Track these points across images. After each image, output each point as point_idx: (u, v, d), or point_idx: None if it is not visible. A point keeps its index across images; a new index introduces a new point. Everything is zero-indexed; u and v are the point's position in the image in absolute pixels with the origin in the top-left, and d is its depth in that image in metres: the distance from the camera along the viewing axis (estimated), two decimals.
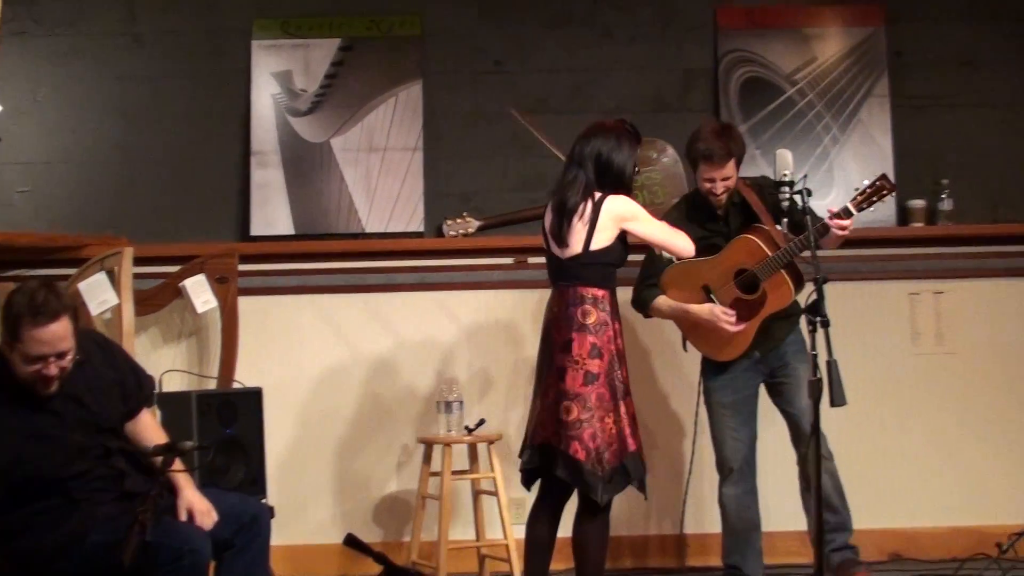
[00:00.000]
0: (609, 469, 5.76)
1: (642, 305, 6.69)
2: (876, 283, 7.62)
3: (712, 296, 6.47)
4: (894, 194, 6.32)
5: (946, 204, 7.71)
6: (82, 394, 5.11)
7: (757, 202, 6.47)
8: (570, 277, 5.87)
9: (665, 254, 6.09)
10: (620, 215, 5.79)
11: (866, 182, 6.22)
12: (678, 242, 5.90)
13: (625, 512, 7.44)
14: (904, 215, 7.73)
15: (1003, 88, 7.93)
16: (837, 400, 5.41)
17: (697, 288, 6.50)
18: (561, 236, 5.86)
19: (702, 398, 6.73)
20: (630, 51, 7.89)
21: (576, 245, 5.82)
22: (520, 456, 6.01)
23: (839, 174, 7.71)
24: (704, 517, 7.49)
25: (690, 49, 7.91)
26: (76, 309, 5.08)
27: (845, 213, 6.16)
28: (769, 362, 6.58)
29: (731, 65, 7.84)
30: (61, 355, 4.95)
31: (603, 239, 5.79)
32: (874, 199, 6.20)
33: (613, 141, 5.87)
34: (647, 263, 6.67)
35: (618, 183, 5.85)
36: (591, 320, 5.80)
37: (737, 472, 6.59)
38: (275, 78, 7.75)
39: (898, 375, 7.56)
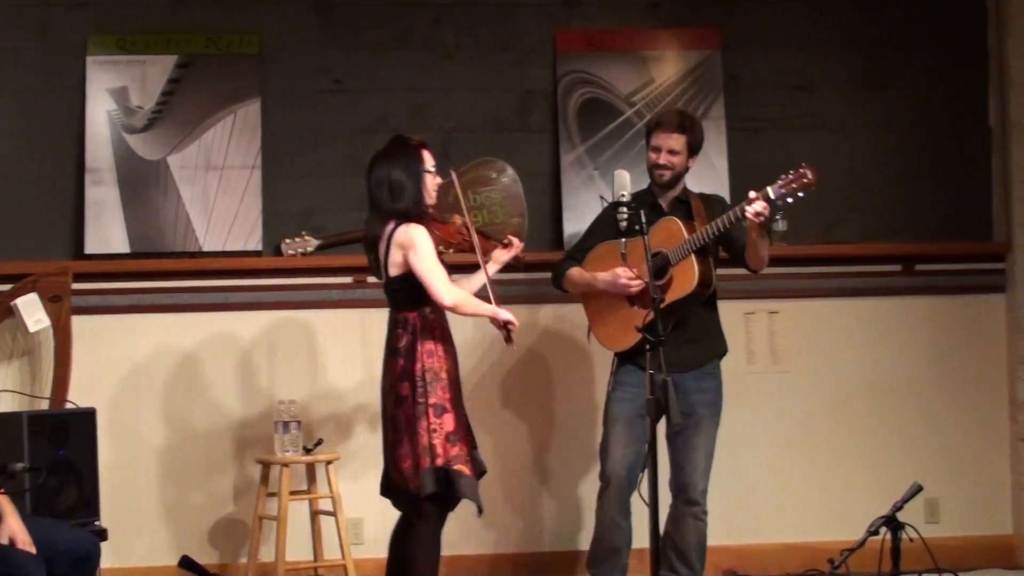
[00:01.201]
0: (417, 488, 5.90)
1: (557, 277, 6.72)
2: None
3: None
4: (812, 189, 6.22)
5: (781, 225, 7.81)
6: None
7: (700, 208, 6.48)
8: (389, 304, 6.09)
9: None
10: (401, 244, 5.91)
11: (791, 171, 6.17)
12: (441, 288, 5.90)
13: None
14: None
15: (836, 112, 8.08)
16: (673, 418, 5.49)
17: (615, 268, 6.46)
18: (375, 267, 6.08)
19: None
20: (470, 71, 7.91)
21: (383, 274, 6.02)
22: None
23: None
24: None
25: (530, 70, 7.94)
26: None
27: (764, 196, 6.13)
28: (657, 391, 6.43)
29: (570, 86, 7.89)
30: None
31: (396, 267, 5.94)
32: (794, 186, 6.13)
33: (386, 164, 6.02)
34: (579, 239, 6.75)
35: (404, 197, 5.97)
36: (402, 344, 5.97)
37: (616, 488, 6.51)
38: (111, 95, 7.64)
39: (733, 393, 7.59)
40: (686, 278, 6.32)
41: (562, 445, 7.83)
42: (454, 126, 7.84)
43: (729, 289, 7.28)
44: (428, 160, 6.09)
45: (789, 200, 6.19)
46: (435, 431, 5.88)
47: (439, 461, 5.86)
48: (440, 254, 6.03)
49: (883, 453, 7.93)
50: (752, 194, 6.15)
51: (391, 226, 5.94)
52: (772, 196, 6.13)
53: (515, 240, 6.47)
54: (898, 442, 7.95)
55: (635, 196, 6.46)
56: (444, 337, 6.05)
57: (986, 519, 8.04)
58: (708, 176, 7.72)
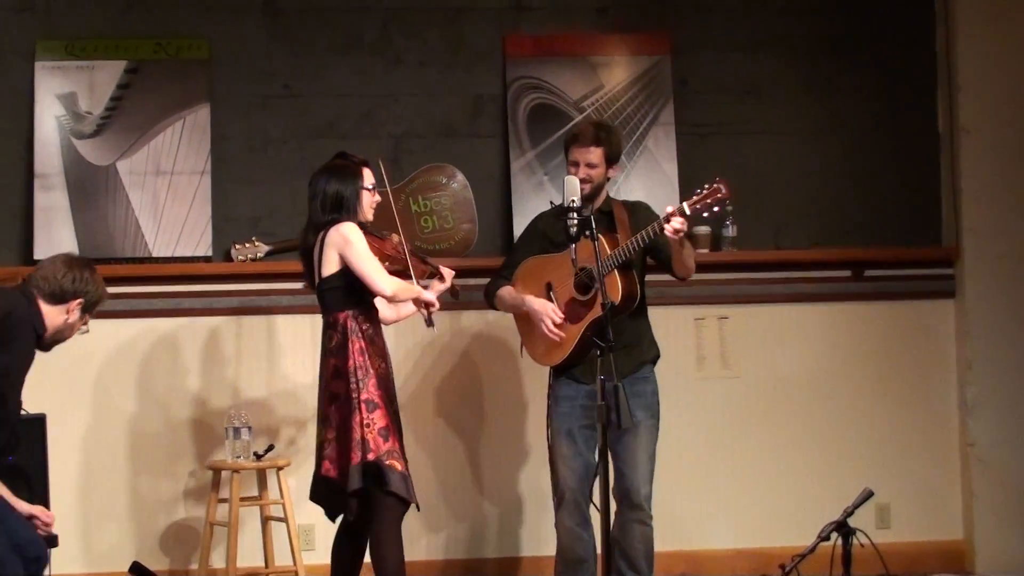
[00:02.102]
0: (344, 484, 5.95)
1: (489, 295, 6.73)
2: (662, 308, 7.65)
3: (552, 295, 6.48)
4: (728, 203, 6.27)
5: (730, 231, 7.84)
6: None
7: (623, 218, 6.47)
8: (321, 308, 6.15)
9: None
10: (334, 242, 5.99)
11: (706, 185, 6.19)
12: (378, 278, 5.98)
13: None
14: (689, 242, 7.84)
15: (784, 117, 8.10)
16: (624, 422, 5.50)
17: (542, 284, 6.51)
18: (308, 274, 6.18)
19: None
20: (419, 77, 7.90)
21: (315, 278, 6.10)
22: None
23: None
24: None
25: (479, 76, 7.95)
26: None
27: (680, 212, 6.13)
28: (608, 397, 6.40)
29: (519, 92, 7.89)
30: None
31: (330, 266, 6.01)
32: (708, 201, 6.14)
33: (325, 177, 6.13)
34: (507, 256, 6.74)
35: (340, 209, 6.06)
36: (334, 343, 6.05)
37: (571, 501, 6.48)
38: (59, 100, 7.61)
39: (683, 398, 7.64)
40: (611, 293, 6.32)
41: (498, 448, 7.82)
42: (404, 131, 7.83)
43: (679, 295, 7.31)
44: (368, 178, 6.18)
45: (705, 215, 6.23)
46: (368, 426, 5.91)
47: (371, 456, 5.88)
48: None
49: (834, 459, 7.94)
50: (669, 209, 6.17)
51: (323, 233, 6.03)
52: (687, 212, 6.15)
53: (446, 271, 6.52)
54: (849, 448, 7.96)
55: (560, 205, 6.53)
56: (374, 337, 6.11)
57: (937, 524, 8.07)
58: (658, 181, 7.75)
